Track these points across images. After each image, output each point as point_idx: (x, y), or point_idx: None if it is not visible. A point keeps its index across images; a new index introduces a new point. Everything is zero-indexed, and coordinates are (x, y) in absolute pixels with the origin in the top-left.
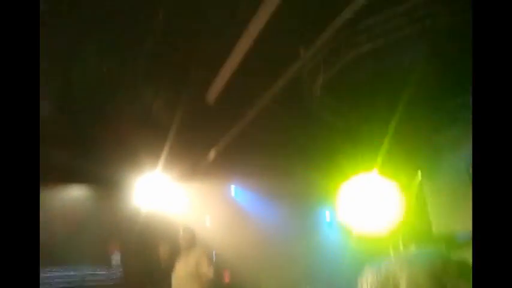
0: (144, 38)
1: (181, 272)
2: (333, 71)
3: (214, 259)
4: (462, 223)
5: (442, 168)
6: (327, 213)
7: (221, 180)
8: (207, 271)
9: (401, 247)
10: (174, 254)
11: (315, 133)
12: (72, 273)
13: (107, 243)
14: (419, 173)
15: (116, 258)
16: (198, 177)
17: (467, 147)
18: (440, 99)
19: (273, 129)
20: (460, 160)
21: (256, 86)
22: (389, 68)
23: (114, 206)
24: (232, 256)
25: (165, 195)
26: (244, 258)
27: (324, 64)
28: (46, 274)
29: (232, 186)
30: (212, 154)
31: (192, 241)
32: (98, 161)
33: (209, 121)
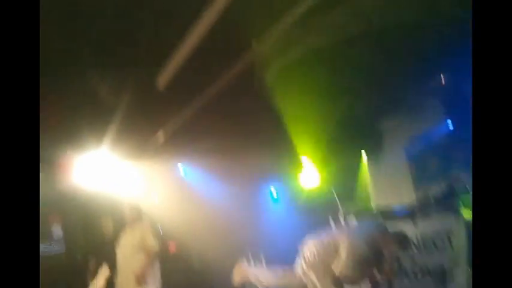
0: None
1: (127, 244)
2: (284, 61)
3: (160, 233)
4: (399, 198)
5: (383, 150)
6: (273, 191)
7: (169, 160)
8: (153, 243)
9: (342, 220)
10: (118, 227)
11: (264, 117)
12: None
13: (48, 218)
14: (363, 153)
15: (57, 232)
16: (146, 157)
17: (406, 131)
18: (385, 88)
19: (223, 112)
20: (398, 143)
21: (207, 74)
22: (338, 60)
23: (56, 183)
24: (178, 230)
25: (112, 173)
26: (191, 231)
27: (275, 55)
28: None
29: (181, 166)
30: (161, 134)
31: (138, 216)
32: (42, 139)
33: (158, 105)
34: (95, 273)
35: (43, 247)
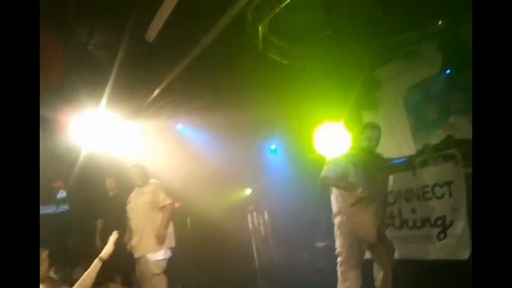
0: None
1: (139, 204)
2: (277, 9)
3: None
4: (397, 150)
5: (381, 100)
6: (272, 143)
7: (167, 117)
8: (165, 198)
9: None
10: (122, 187)
11: (260, 70)
12: None
13: (52, 181)
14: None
15: (61, 195)
16: (144, 116)
17: (404, 79)
18: (383, 36)
19: (218, 66)
20: (396, 92)
21: (200, 23)
22: (333, 7)
23: (58, 146)
24: (180, 186)
25: (111, 133)
26: (193, 188)
27: (268, 3)
28: None
29: (178, 123)
30: (157, 92)
31: (145, 177)
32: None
33: (152, 59)
34: (102, 232)
35: (48, 208)
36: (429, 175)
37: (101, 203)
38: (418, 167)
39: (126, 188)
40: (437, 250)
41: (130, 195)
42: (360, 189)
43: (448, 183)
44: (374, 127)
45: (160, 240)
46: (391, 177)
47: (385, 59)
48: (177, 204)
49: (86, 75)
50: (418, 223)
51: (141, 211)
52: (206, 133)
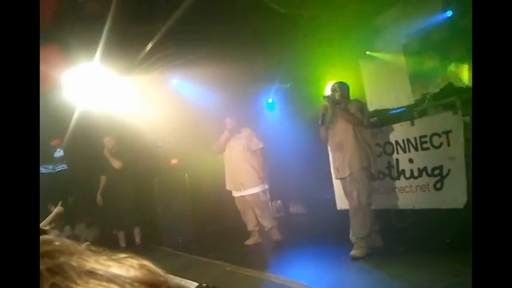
0: None
1: (236, 147)
2: None
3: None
4: (395, 100)
5: (379, 49)
6: (269, 97)
7: (162, 72)
8: (258, 142)
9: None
10: (121, 144)
11: (257, 19)
12: None
13: (49, 140)
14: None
15: (58, 154)
16: (138, 70)
17: (404, 26)
18: None
19: (212, 17)
20: (395, 39)
21: None
22: None
23: (52, 102)
24: (178, 142)
25: (105, 89)
26: (190, 143)
27: None
28: None
29: (174, 77)
30: (150, 46)
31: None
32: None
33: (144, 12)
34: (104, 188)
35: (47, 168)
36: (427, 124)
37: (101, 160)
38: (417, 117)
39: (125, 143)
40: (433, 199)
41: (228, 143)
42: None
43: (447, 133)
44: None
45: (261, 179)
46: (387, 128)
47: (385, 5)
48: (174, 161)
49: (78, 29)
50: (415, 173)
51: (240, 154)
52: (202, 87)
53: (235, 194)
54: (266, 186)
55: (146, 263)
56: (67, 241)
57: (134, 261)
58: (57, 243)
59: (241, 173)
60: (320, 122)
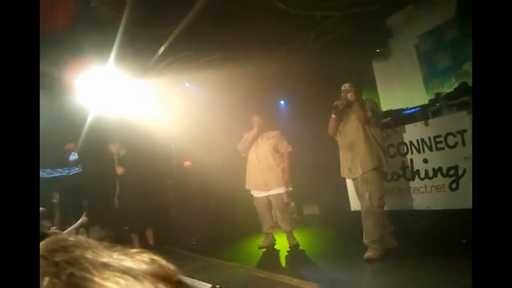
0: None
1: (263, 147)
2: None
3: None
4: (409, 101)
5: (392, 50)
6: (281, 98)
7: (174, 75)
8: (286, 145)
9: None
10: (130, 148)
11: (268, 21)
12: None
13: (63, 144)
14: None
15: (73, 157)
16: (151, 74)
17: (416, 26)
18: None
19: (225, 21)
20: (408, 40)
21: None
22: None
23: (67, 106)
24: (191, 145)
25: (118, 92)
26: (203, 146)
27: None
28: None
29: (187, 81)
30: (163, 49)
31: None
32: (47, 62)
33: (157, 15)
34: (118, 192)
35: (62, 171)
36: (442, 124)
37: (113, 164)
38: (431, 117)
39: (130, 149)
40: (449, 200)
41: (256, 142)
42: None
43: (461, 132)
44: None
45: (287, 181)
46: (400, 128)
47: (396, 6)
48: (187, 163)
49: (91, 33)
50: (430, 173)
51: (268, 154)
52: (214, 89)
53: (257, 194)
54: (290, 188)
55: (157, 258)
56: (81, 238)
57: (145, 256)
58: (71, 239)
59: (268, 173)
60: (333, 113)
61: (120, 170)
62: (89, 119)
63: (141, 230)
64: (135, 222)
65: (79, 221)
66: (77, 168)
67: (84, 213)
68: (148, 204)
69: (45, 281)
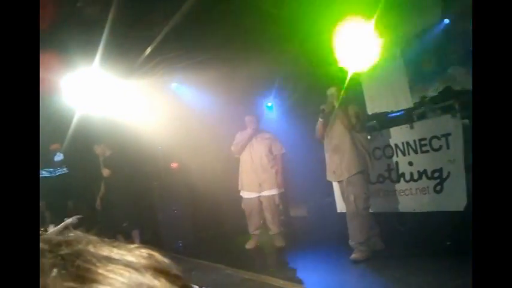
0: None
1: (258, 147)
2: None
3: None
4: (395, 104)
5: (379, 52)
6: (268, 100)
7: (161, 76)
8: (281, 147)
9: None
10: (116, 149)
11: (256, 23)
12: None
13: (49, 144)
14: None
15: (58, 158)
16: (137, 75)
17: (402, 30)
18: None
19: (213, 22)
20: (393, 43)
21: None
22: None
23: (52, 106)
24: (177, 146)
25: (104, 93)
26: (189, 147)
27: None
28: None
29: (173, 82)
30: (149, 50)
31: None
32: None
33: (144, 15)
34: (101, 194)
35: (47, 172)
36: (427, 127)
37: (99, 165)
38: (416, 120)
39: (116, 150)
40: (434, 202)
41: (250, 143)
42: None
43: (446, 135)
44: None
45: (279, 183)
46: (386, 131)
47: (383, 9)
48: (174, 164)
49: (77, 33)
50: (415, 176)
51: (263, 155)
52: (201, 91)
53: (248, 195)
54: (282, 190)
55: (154, 253)
56: (80, 233)
57: (144, 251)
58: (72, 234)
59: (262, 174)
60: (320, 116)
61: (106, 172)
62: (75, 120)
63: (127, 232)
64: (121, 223)
65: (68, 221)
66: (62, 169)
67: (76, 217)
68: (135, 205)
69: (53, 272)
